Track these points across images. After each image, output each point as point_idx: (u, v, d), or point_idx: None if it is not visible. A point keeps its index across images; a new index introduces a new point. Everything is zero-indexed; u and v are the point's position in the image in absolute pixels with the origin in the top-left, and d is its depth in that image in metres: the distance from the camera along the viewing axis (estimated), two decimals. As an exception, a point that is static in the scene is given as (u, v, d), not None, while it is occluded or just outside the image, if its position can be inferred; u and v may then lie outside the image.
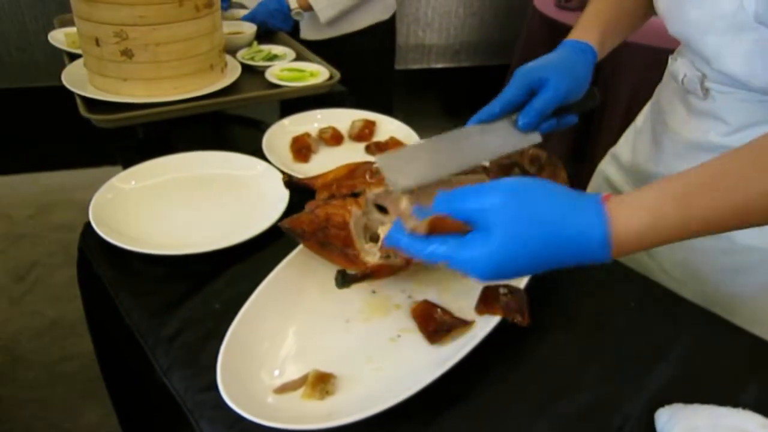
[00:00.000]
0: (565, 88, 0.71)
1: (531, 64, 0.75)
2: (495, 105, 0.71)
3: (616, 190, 1.00)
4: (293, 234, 0.75)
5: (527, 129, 0.71)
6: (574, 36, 0.81)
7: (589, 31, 0.82)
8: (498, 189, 0.52)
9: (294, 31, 1.71)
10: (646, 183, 0.56)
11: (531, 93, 0.72)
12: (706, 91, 0.78)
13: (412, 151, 0.67)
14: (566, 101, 0.72)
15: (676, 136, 0.86)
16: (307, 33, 1.72)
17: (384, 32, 1.79)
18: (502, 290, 0.69)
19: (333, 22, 1.66)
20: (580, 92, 0.74)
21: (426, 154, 0.67)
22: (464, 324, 0.68)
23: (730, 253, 0.82)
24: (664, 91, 0.91)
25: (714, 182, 0.50)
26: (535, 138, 0.71)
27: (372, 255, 0.70)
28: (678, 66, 0.83)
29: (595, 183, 1.08)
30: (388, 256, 0.70)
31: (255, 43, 1.44)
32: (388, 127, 1.16)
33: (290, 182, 0.91)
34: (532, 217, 0.50)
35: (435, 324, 0.68)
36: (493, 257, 0.50)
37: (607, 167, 1.04)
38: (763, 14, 0.65)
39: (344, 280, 0.69)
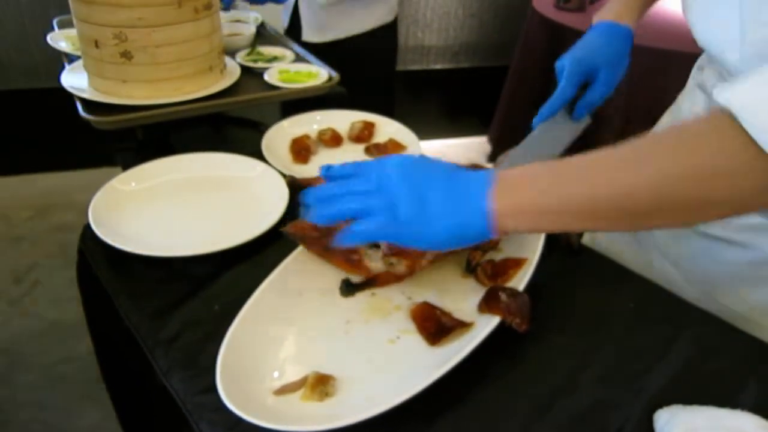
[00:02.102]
0: (615, 81, 0.77)
1: (581, 53, 0.79)
2: (555, 103, 0.76)
3: None
4: (296, 238, 0.75)
5: (579, 119, 0.79)
6: (613, 13, 0.83)
7: (630, 9, 0.83)
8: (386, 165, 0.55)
9: (296, 33, 1.71)
10: None
11: (584, 84, 0.77)
12: None
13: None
14: (613, 90, 0.78)
15: None
16: (309, 35, 1.72)
17: (386, 34, 1.79)
18: (504, 292, 0.69)
19: (337, 24, 1.66)
20: (622, 78, 0.79)
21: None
22: (464, 325, 0.68)
23: (762, 264, 0.78)
24: (687, 101, 0.87)
25: (588, 172, 0.50)
26: (587, 121, 0.80)
27: (375, 260, 0.71)
28: (706, 76, 0.79)
29: None
30: (391, 263, 0.70)
31: (256, 46, 1.44)
32: (388, 128, 1.16)
33: (294, 183, 0.91)
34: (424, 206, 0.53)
35: (434, 325, 0.68)
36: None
37: None
38: None
39: (348, 288, 0.70)
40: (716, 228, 0.80)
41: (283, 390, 0.62)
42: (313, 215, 0.57)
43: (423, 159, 0.57)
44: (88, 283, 0.89)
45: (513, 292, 0.69)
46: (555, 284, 0.78)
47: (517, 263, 0.75)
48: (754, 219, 0.75)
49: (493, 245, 0.77)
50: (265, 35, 1.57)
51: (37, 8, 2.42)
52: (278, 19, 1.77)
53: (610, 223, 0.51)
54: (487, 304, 0.69)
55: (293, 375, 0.64)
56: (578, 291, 0.79)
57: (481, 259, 0.75)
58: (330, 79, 1.27)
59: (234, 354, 0.63)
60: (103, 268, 0.82)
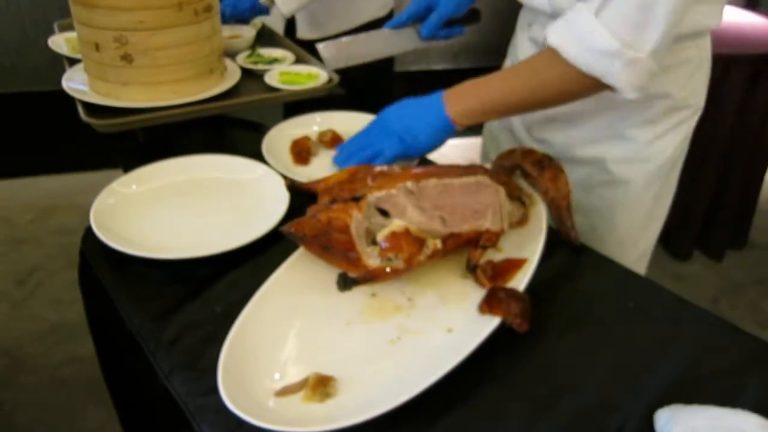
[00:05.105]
0: (453, 7, 1.05)
1: None
2: (403, 16, 1.07)
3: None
4: (295, 238, 0.75)
5: (426, 37, 1.08)
6: None
7: None
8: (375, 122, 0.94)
9: (291, 31, 1.71)
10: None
11: (429, 8, 1.06)
12: None
13: (348, 43, 1.10)
14: (453, 16, 1.06)
15: None
16: (304, 32, 1.72)
17: None
18: (505, 292, 0.69)
19: (327, 19, 1.66)
20: (462, 11, 1.08)
21: (356, 45, 1.10)
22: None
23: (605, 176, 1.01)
24: (520, 53, 1.07)
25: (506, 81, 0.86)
26: (426, 43, 1.10)
27: (373, 258, 0.71)
28: (535, 31, 1.00)
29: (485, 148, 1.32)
30: (389, 260, 0.71)
31: (256, 48, 1.44)
32: (388, 129, 1.16)
33: (292, 187, 0.92)
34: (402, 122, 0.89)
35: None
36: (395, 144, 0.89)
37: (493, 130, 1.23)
38: None
39: (345, 282, 0.70)
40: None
41: (285, 391, 0.62)
42: (348, 163, 0.90)
43: (398, 104, 0.91)
44: (90, 285, 0.89)
45: (513, 293, 0.69)
46: (555, 284, 0.79)
47: (516, 264, 0.75)
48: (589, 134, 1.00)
49: (493, 244, 0.77)
50: (265, 37, 1.57)
51: (38, 11, 2.43)
52: (280, 22, 1.77)
53: (515, 113, 0.96)
54: (488, 305, 0.69)
55: (294, 376, 0.64)
56: (578, 291, 0.79)
57: (480, 258, 0.76)
58: (330, 80, 1.27)
59: (235, 356, 0.63)
60: (105, 270, 0.82)
